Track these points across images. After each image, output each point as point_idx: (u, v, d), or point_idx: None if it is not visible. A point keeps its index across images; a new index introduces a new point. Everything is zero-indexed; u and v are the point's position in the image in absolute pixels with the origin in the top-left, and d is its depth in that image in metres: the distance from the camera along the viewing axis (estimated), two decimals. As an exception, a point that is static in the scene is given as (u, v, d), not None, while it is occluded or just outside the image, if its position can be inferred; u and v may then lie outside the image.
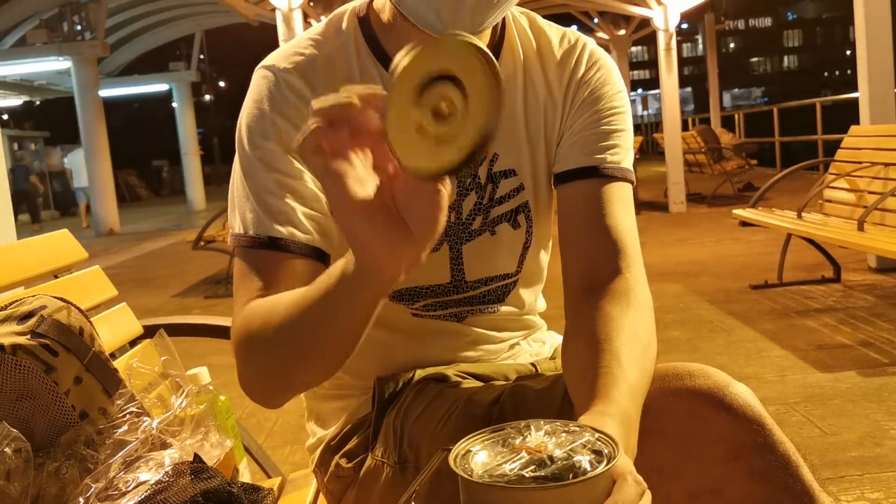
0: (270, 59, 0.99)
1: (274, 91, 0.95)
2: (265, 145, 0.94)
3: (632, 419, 0.77)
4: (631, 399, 0.79)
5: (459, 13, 0.88)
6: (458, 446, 0.63)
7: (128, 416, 1.01)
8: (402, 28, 0.96)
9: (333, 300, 0.70)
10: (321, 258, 0.92)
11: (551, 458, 0.59)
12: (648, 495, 0.63)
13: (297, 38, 1.02)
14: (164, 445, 1.01)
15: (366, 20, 1.01)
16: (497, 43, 1.03)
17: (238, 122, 0.97)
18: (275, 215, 0.91)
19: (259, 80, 0.98)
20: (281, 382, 0.83)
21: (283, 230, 0.90)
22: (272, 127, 0.94)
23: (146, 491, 0.82)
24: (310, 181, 0.93)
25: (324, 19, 1.04)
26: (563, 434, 0.63)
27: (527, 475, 0.58)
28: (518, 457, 0.60)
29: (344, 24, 1.01)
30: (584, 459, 0.59)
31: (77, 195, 16.79)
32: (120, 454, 0.94)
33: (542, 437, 0.62)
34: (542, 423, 0.64)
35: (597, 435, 0.63)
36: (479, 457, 0.62)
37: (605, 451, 0.61)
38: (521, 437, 0.63)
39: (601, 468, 0.59)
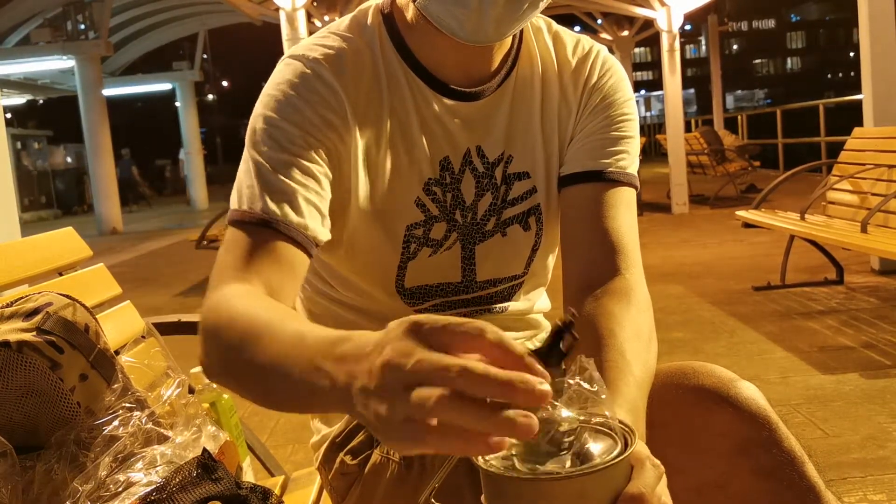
0: (297, 49, 0.97)
1: (301, 78, 0.93)
2: (281, 124, 0.91)
3: (640, 410, 0.78)
4: (638, 390, 0.80)
5: (483, 25, 0.89)
6: None
7: (120, 411, 1.00)
8: (426, 28, 0.95)
9: (309, 393, 0.64)
10: (308, 247, 0.89)
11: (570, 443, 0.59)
12: (665, 478, 0.64)
13: (320, 32, 1.00)
14: (161, 438, 1.00)
15: (390, 17, 1.00)
16: (516, 47, 1.04)
17: (254, 109, 0.94)
18: (272, 193, 0.88)
19: (284, 68, 0.95)
20: (232, 384, 0.80)
21: (276, 209, 0.87)
22: (293, 110, 0.92)
23: (157, 484, 0.81)
24: (322, 166, 0.92)
25: (327, 19, 1.04)
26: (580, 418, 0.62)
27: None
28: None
29: (368, 20, 1.00)
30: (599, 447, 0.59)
31: (187, 182, 20.74)
32: (109, 451, 0.93)
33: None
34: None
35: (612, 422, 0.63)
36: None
37: (623, 437, 0.61)
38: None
39: (618, 454, 0.59)
